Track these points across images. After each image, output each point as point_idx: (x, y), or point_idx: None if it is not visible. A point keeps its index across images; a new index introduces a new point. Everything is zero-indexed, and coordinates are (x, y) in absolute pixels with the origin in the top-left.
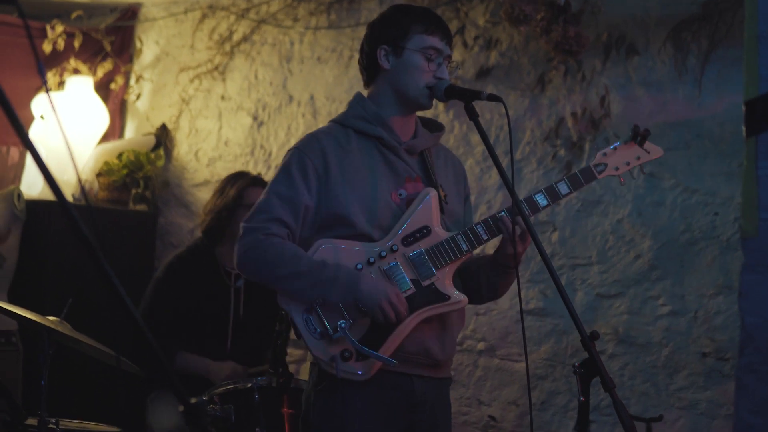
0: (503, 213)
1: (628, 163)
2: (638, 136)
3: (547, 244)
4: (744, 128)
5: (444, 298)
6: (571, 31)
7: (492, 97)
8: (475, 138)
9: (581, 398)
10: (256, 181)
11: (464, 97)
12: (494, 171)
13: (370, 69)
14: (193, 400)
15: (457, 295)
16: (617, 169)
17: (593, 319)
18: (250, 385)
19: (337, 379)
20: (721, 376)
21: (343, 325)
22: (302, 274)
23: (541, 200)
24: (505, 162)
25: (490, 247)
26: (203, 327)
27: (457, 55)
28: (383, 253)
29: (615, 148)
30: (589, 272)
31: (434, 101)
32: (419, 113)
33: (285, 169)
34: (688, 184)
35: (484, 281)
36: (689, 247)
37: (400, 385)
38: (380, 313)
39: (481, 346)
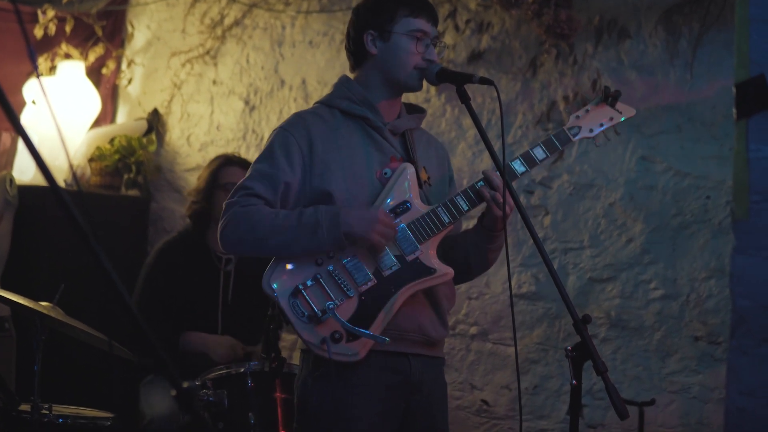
0: (481, 182)
1: (601, 125)
2: (609, 97)
3: (539, 227)
4: (734, 111)
5: (430, 271)
6: (562, 15)
7: (484, 81)
8: (467, 121)
9: (573, 382)
10: (230, 160)
11: (456, 81)
12: (486, 154)
13: (357, 54)
14: (185, 385)
15: (443, 267)
16: (591, 131)
17: (585, 303)
18: (242, 370)
19: (336, 364)
20: (713, 360)
21: (331, 306)
22: (284, 228)
23: (518, 167)
24: (496, 145)
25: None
26: (194, 311)
27: (448, 39)
28: None
29: (587, 111)
30: (581, 256)
31: (424, 84)
32: (411, 93)
33: (268, 148)
34: (679, 167)
35: (472, 251)
36: (681, 230)
37: (398, 366)
38: (377, 238)
39: (473, 330)
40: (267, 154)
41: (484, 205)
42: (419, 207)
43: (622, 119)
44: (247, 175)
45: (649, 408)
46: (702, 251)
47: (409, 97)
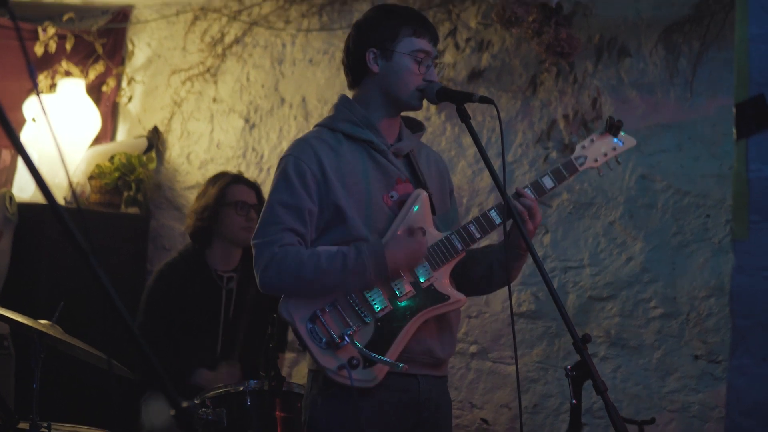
0: (493, 210)
1: (605, 154)
2: (612, 127)
3: (539, 246)
4: (734, 131)
5: (444, 298)
6: (562, 33)
7: (484, 99)
8: (467, 140)
9: (573, 401)
10: (237, 179)
11: (456, 100)
12: (486, 173)
13: (356, 71)
14: (184, 404)
15: (457, 295)
16: (596, 160)
17: (585, 322)
18: (242, 388)
19: (347, 388)
20: (713, 379)
21: (349, 333)
22: (330, 272)
23: (528, 194)
24: (496, 164)
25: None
26: (195, 330)
27: (449, 57)
28: None
29: (592, 141)
30: (581, 275)
31: (424, 102)
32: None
33: (284, 177)
34: (679, 186)
35: (496, 267)
36: (681, 249)
37: (407, 386)
38: (419, 266)
39: (473, 348)
40: (284, 185)
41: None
42: (433, 233)
43: (624, 150)
44: (267, 209)
45: (649, 427)
46: (702, 270)
47: (409, 115)
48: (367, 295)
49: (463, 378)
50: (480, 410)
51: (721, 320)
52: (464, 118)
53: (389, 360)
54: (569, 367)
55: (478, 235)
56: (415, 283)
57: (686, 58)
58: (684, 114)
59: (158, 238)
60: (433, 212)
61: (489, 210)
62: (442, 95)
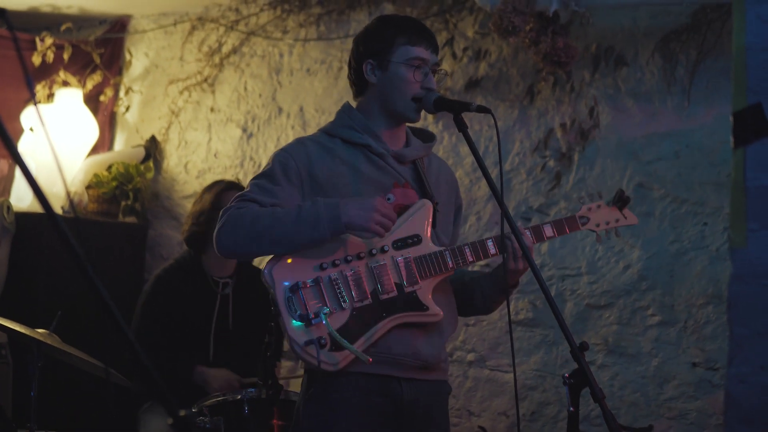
0: (490, 240)
1: (607, 223)
2: (620, 201)
3: (537, 254)
4: (732, 139)
5: (422, 307)
6: (559, 43)
7: (481, 109)
8: (465, 149)
9: (571, 409)
10: (233, 185)
11: (453, 109)
12: (483, 182)
13: (358, 83)
14: (182, 413)
15: (435, 308)
16: (598, 225)
17: (583, 330)
18: (239, 397)
19: (323, 382)
20: (711, 386)
21: (325, 311)
22: (283, 222)
23: (528, 236)
24: (494, 173)
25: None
26: (191, 334)
27: (446, 67)
28: (374, 251)
29: (599, 207)
30: (579, 283)
31: (422, 113)
32: (409, 124)
33: (269, 169)
34: (677, 194)
35: (478, 295)
36: (679, 257)
37: (389, 390)
38: (375, 227)
39: (471, 357)
40: (267, 172)
41: (489, 259)
42: (429, 244)
43: (624, 225)
44: (245, 189)
45: None
46: (699, 278)
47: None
48: (351, 282)
49: (461, 386)
50: (478, 418)
51: (719, 328)
52: (461, 127)
53: (356, 349)
54: (567, 374)
55: (471, 259)
56: (400, 285)
57: (683, 67)
58: (681, 122)
59: (156, 247)
60: (434, 225)
61: (487, 239)
62: (439, 105)
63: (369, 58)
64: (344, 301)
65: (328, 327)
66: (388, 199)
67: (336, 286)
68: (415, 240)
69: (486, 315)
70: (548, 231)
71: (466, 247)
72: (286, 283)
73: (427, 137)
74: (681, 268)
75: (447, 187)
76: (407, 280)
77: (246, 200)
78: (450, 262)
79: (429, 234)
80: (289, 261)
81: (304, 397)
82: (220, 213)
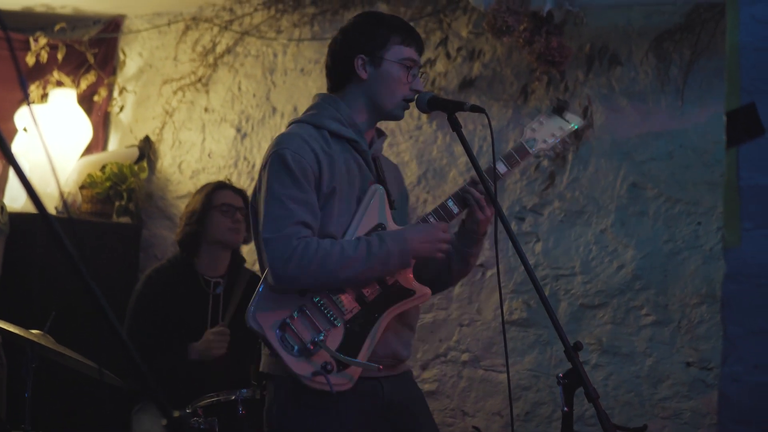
0: (450, 199)
1: (553, 135)
2: (558, 108)
3: (531, 254)
4: (726, 139)
5: (410, 293)
6: (553, 42)
7: (475, 108)
8: (458, 148)
9: (565, 409)
10: (222, 184)
11: (447, 108)
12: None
13: (341, 76)
14: (176, 414)
15: (421, 288)
16: (545, 141)
17: (577, 330)
18: (233, 397)
19: (316, 393)
20: (705, 386)
21: (321, 338)
22: (355, 260)
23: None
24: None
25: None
26: (182, 334)
27: (440, 67)
28: None
29: (541, 122)
30: (573, 282)
31: (416, 111)
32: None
33: (287, 172)
34: (671, 193)
35: (454, 256)
36: (672, 256)
37: (372, 391)
38: (440, 255)
39: (465, 357)
40: (290, 180)
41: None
42: (393, 227)
43: (574, 126)
44: (277, 203)
45: None
46: (693, 277)
47: (400, 124)
48: (334, 298)
49: (455, 386)
50: (472, 418)
51: (713, 327)
52: (455, 126)
53: (363, 362)
54: (561, 374)
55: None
56: (381, 280)
57: (677, 67)
58: (675, 122)
59: (150, 248)
60: (392, 207)
61: (446, 200)
62: (433, 104)
63: (361, 53)
64: (334, 319)
65: (328, 351)
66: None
67: (322, 307)
68: (380, 229)
69: (465, 276)
70: (501, 168)
71: (429, 216)
72: (274, 324)
73: (380, 133)
74: (675, 267)
75: (396, 180)
76: None
77: (296, 223)
78: None
79: (390, 217)
80: (270, 300)
81: (296, 404)
82: (267, 240)
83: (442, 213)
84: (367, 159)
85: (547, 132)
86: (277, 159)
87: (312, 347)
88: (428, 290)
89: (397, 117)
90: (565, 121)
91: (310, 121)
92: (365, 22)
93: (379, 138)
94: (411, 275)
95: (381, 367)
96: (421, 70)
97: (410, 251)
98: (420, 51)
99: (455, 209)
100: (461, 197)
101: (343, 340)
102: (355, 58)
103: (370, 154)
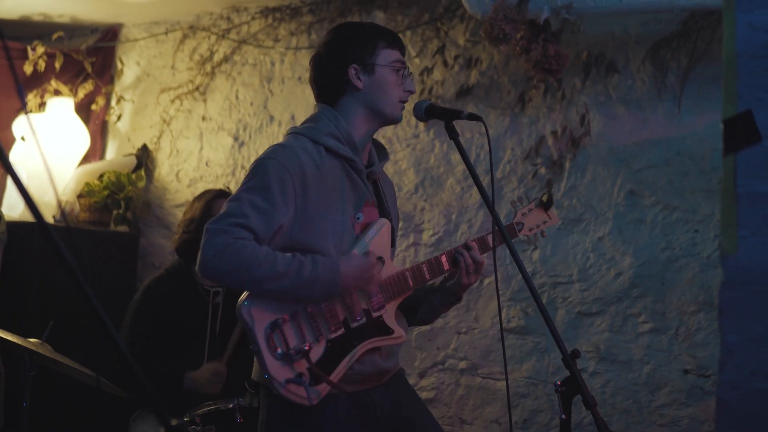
0: (444, 256)
1: (537, 226)
2: (545, 204)
3: (528, 262)
4: (723, 146)
5: (389, 331)
6: (550, 50)
7: (472, 116)
8: (456, 157)
9: (563, 416)
10: (223, 193)
11: (445, 117)
12: (475, 190)
13: (333, 90)
14: (174, 422)
15: (399, 331)
16: (531, 230)
17: (574, 337)
18: (231, 405)
19: (306, 409)
20: (703, 393)
21: (305, 348)
22: (282, 276)
23: (476, 248)
24: (485, 181)
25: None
26: (182, 344)
27: (437, 75)
28: None
29: (531, 210)
30: (570, 290)
31: (414, 120)
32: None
33: (263, 180)
34: (668, 201)
35: (423, 307)
36: (670, 264)
37: (362, 402)
38: (370, 289)
39: (462, 364)
40: (262, 186)
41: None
42: (391, 266)
43: (554, 226)
44: (235, 202)
45: None
46: (690, 285)
47: (397, 132)
48: (326, 313)
49: (452, 394)
50: (470, 426)
51: (710, 335)
52: (453, 135)
53: (336, 383)
54: (559, 382)
55: (428, 277)
56: (368, 312)
57: (674, 74)
58: (672, 130)
59: (147, 256)
60: (392, 244)
61: (441, 255)
62: (431, 112)
63: (353, 63)
64: (319, 334)
65: (309, 363)
66: (358, 218)
67: (313, 320)
68: (380, 263)
69: (422, 326)
70: (491, 241)
71: (423, 265)
72: (266, 321)
73: (382, 152)
74: (672, 275)
75: (391, 199)
76: (374, 305)
77: (241, 225)
78: (411, 282)
79: (389, 254)
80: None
81: (288, 421)
82: (208, 230)
83: (433, 266)
84: (363, 178)
85: (533, 221)
86: (259, 166)
87: (294, 354)
88: (403, 334)
89: (397, 120)
90: (548, 216)
91: (308, 134)
92: (349, 33)
93: (381, 156)
94: (394, 315)
95: (347, 391)
96: (407, 68)
97: (340, 284)
98: (403, 52)
99: (427, 275)
100: (453, 257)
101: (323, 356)
102: (348, 68)
103: (365, 174)
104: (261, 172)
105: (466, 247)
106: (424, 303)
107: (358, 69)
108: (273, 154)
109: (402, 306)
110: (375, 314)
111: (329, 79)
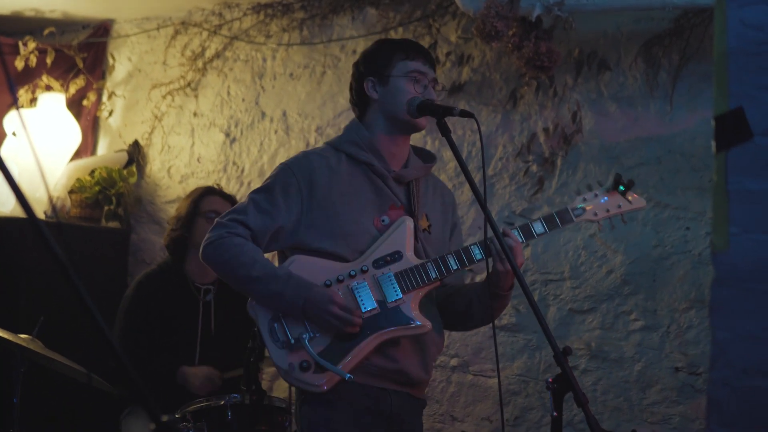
0: (475, 245)
1: (608, 211)
2: (620, 185)
3: None
4: (714, 143)
5: (407, 321)
6: (542, 47)
7: (464, 113)
8: (448, 154)
9: (554, 414)
10: (211, 190)
11: (437, 113)
12: (467, 187)
13: (360, 103)
14: (164, 418)
15: (422, 320)
16: (596, 214)
17: (566, 335)
18: (222, 402)
19: (318, 397)
20: (694, 391)
21: (305, 337)
22: (255, 280)
23: (513, 235)
24: (477, 178)
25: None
26: (173, 341)
27: None
28: (353, 273)
29: (596, 195)
30: (562, 287)
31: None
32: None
33: (270, 184)
34: (659, 198)
35: (476, 304)
36: (661, 261)
37: (378, 397)
38: (333, 320)
39: (454, 362)
40: (267, 189)
41: (475, 265)
42: (410, 259)
43: (631, 210)
44: (244, 201)
45: None
46: (682, 282)
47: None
48: None
49: (444, 391)
50: (461, 423)
51: (702, 332)
52: (445, 131)
53: (337, 368)
54: (550, 379)
55: (455, 267)
56: (382, 302)
57: (666, 72)
58: (664, 127)
59: (139, 252)
60: (417, 239)
61: (471, 245)
62: (423, 109)
63: (369, 76)
64: None
65: (308, 350)
66: (383, 220)
67: None
68: (396, 256)
69: (488, 325)
70: (538, 228)
71: (449, 256)
72: (269, 313)
73: (428, 157)
74: (663, 272)
75: (443, 206)
76: (389, 295)
77: (239, 221)
78: (433, 274)
79: (410, 249)
80: None
81: (300, 399)
82: (215, 222)
83: (463, 256)
84: (386, 181)
85: (601, 207)
86: (274, 171)
87: (294, 342)
88: (429, 324)
89: (418, 125)
90: (626, 200)
91: (333, 143)
92: (372, 49)
93: (425, 163)
94: (415, 305)
95: (353, 377)
96: (434, 82)
97: (301, 308)
98: (430, 64)
99: (454, 266)
100: (462, 256)
101: (328, 346)
102: (365, 82)
103: (390, 177)
104: (272, 175)
105: (503, 233)
106: (474, 300)
107: (375, 81)
108: (289, 159)
109: (456, 309)
110: (390, 304)
111: (354, 94)
